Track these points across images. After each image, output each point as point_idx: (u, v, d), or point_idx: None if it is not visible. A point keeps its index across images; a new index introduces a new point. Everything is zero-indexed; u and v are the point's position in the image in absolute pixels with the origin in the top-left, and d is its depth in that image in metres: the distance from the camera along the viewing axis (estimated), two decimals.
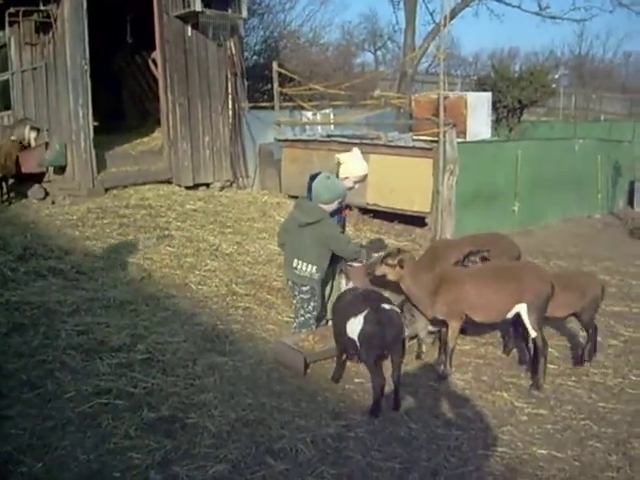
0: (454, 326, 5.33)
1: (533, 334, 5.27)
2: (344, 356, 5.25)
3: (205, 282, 7.50)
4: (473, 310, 5.31)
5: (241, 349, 5.75)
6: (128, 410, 4.52)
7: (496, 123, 15.36)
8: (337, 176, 5.82)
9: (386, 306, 4.83)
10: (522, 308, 5.23)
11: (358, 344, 4.79)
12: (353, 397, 4.97)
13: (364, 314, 4.73)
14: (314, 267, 5.52)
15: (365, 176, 6.02)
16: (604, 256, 9.54)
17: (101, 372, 5.05)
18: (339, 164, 5.86)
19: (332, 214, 5.73)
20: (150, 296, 6.88)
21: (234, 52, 12.86)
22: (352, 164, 5.87)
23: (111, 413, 4.46)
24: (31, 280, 7.03)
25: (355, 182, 5.93)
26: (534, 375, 5.33)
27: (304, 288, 5.63)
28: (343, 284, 5.91)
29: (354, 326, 4.78)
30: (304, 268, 5.53)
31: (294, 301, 5.84)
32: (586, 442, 4.47)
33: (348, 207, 6.55)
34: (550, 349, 5.81)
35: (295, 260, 5.58)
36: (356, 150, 6.02)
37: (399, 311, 4.95)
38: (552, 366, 5.67)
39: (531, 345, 5.50)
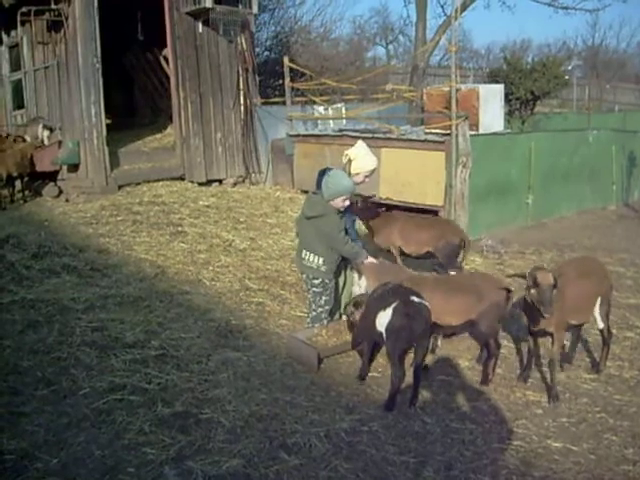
0: (560, 338, 4.95)
1: (601, 325, 5.27)
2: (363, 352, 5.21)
3: (218, 278, 7.51)
4: (572, 314, 5.04)
5: (254, 344, 5.77)
6: (142, 406, 4.55)
7: (509, 115, 15.22)
8: (349, 173, 5.83)
9: (415, 299, 4.80)
10: (597, 301, 5.21)
11: (385, 337, 4.76)
12: (367, 391, 4.97)
13: (393, 306, 4.71)
14: (321, 259, 5.56)
15: (374, 170, 6.04)
16: (619, 248, 9.45)
17: (115, 368, 5.09)
18: (350, 161, 5.88)
19: (344, 211, 5.73)
20: (164, 292, 6.91)
21: (245, 48, 12.85)
22: (362, 159, 5.90)
23: (125, 409, 4.49)
24: (45, 277, 7.08)
25: (366, 176, 5.96)
26: (597, 361, 5.49)
27: (315, 281, 5.64)
28: (355, 279, 5.91)
29: (382, 319, 4.76)
30: (311, 259, 5.59)
31: (308, 295, 5.86)
32: (602, 435, 4.44)
33: (356, 202, 6.56)
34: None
35: (304, 251, 5.67)
36: (361, 143, 6.03)
37: (428, 305, 4.88)
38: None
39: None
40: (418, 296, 4.88)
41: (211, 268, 7.81)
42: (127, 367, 5.13)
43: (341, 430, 4.33)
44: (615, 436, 4.42)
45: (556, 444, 4.31)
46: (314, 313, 5.77)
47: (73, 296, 6.56)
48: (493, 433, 4.42)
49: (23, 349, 5.38)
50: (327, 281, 5.67)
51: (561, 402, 4.90)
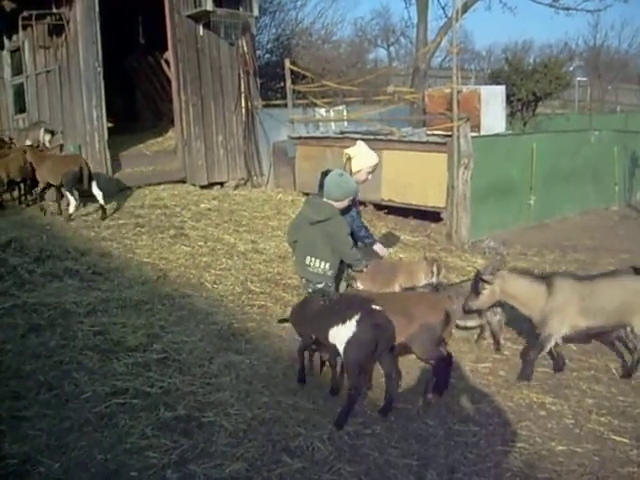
0: None
1: None
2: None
3: (220, 281, 7.51)
4: None
5: (257, 347, 5.76)
6: (145, 410, 4.54)
7: (510, 116, 15.23)
8: (350, 172, 5.79)
9: (377, 307, 4.54)
10: None
11: (343, 350, 4.45)
12: (370, 394, 4.94)
13: (356, 318, 4.40)
14: (327, 264, 5.44)
15: (376, 165, 5.95)
16: (621, 248, 9.43)
17: (117, 372, 5.08)
18: (350, 159, 5.82)
19: (347, 210, 5.70)
20: (166, 295, 6.90)
21: (246, 50, 12.86)
22: (362, 156, 5.82)
23: (128, 413, 4.48)
24: (48, 281, 7.08)
25: (368, 173, 5.89)
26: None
27: (318, 286, 5.59)
28: (359, 285, 5.89)
29: (342, 332, 4.44)
30: (317, 265, 5.45)
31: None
32: (606, 437, 4.42)
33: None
34: (569, 344, 5.78)
35: (308, 257, 5.49)
36: (361, 142, 6.01)
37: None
38: (569, 363, 5.62)
39: None
40: (377, 304, 4.63)
41: (213, 271, 7.81)
42: (129, 371, 5.12)
43: (344, 433, 4.31)
44: (619, 437, 4.40)
45: (560, 446, 4.29)
46: None
47: (75, 300, 6.55)
48: (496, 435, 4.40)
49: (25, 353, 5.37)
50: (329, 284, 5.63)
51: (564, 404, 4.88)
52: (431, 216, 10.26)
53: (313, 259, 5.46)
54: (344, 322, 4.44)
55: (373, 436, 4.31)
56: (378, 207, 10.94)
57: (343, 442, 4.21)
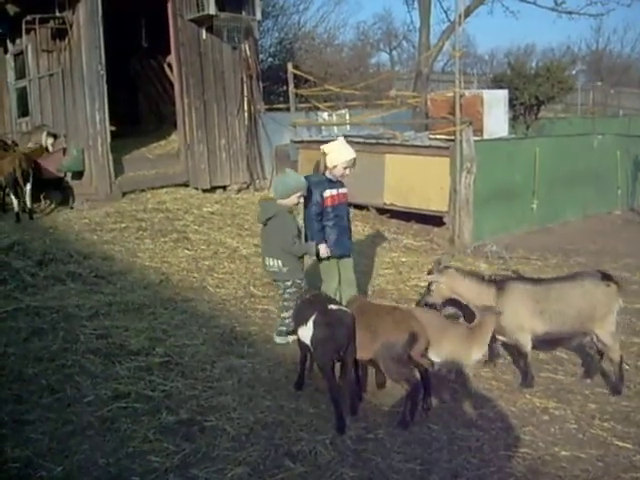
0: None
1: None
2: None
3: (223, 285, 7.51)
4: None
5: (259, 351, 5.75)
6: (147, 414, 4.53)
7: (513, 120, 15.23)
8: (325, 168, 5.84)
9: (334, 307, 4.68)
10: None
11: (312, 350, 4.67)
12: (372, 399, 4.93)
13: (312, 319, 4.58)
14: (279, 261, 5.55)
15: (353, 160, 5.91)
16: (624, 252, 9.40)
17: (120, 376, 5.08)
18: (324, 155, 5.85)
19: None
20: (168, 299, 6.91)
21: (249, 54, 12.88)
22: (336, 151, 5.85)
23: (130, 417, 4.48)
24: (50, 285, 7.09)
25: (345, 168, 5.87)
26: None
27: (288, 283, 5.65)
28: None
29: (305, 332, 4.66)
30: (271, 264, 5.59)
31: (284, 297, 5.79)
32: (609, 442, 4.40)
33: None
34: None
35: (265, 258, 5.68)
36: (341, 138, 6.05)
37: (348, 311, 4.69)
38: (572, 366, 5.61)
39: None
40: (336, 303, 4.83)
41: (215, 275, 7.81)
42: (131, 374, 5.12)
43: (347, 437, 4.30)
44: (623, 443, 4.38)
45: (563, 451, 4.27)
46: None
47: (78, 303, 6.56)
48: (500, 440, 4.38)
49: (28, 357, 5.38)
50: (299, 281, 5.67)
51: (567, 409, 4.87)
52: (433, 220, 10.25)
53: (268, 258, 5.65)
54: (306, 323, 4.63)
55: (376, 441, 4.30)
56: (380, 211, 10.94)
57: (346, 446, 4.20)
